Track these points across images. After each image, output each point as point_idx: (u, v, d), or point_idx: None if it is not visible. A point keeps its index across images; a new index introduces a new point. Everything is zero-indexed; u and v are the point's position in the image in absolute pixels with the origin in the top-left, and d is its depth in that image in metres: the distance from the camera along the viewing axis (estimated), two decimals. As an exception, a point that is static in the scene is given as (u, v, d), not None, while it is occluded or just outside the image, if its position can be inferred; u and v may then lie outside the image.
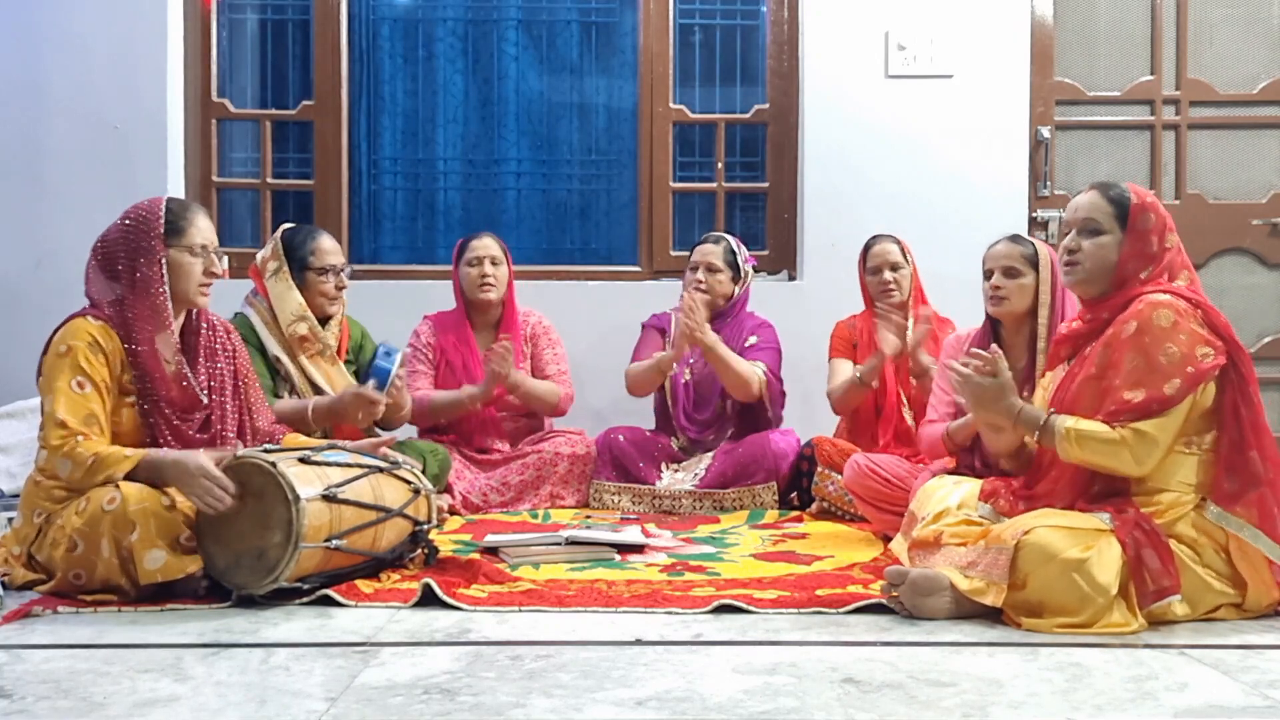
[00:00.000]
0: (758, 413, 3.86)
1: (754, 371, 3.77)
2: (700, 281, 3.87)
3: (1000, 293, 2.93)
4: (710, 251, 3.90)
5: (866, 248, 3.72)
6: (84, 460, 2.42)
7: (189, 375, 2.64)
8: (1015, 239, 2.99)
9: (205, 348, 2.72)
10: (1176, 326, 2.29)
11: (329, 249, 3.46)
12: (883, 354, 3.50)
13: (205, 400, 2.66)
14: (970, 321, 3.11)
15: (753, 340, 3.89)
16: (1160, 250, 2.42)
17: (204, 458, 2.39)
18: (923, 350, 3.45)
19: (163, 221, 2.61)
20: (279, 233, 3.51)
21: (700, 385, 3.92)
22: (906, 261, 3.67)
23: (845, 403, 3.70)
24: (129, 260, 2.58)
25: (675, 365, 3.83)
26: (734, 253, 3.92)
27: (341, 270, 3.47)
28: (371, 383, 3.18)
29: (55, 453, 2.44)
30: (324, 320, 3.46)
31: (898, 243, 3.69)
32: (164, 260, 2.59)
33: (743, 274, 3.95)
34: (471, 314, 3.94)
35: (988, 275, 2.98)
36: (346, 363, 3.52)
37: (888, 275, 3.64)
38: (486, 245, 3.88)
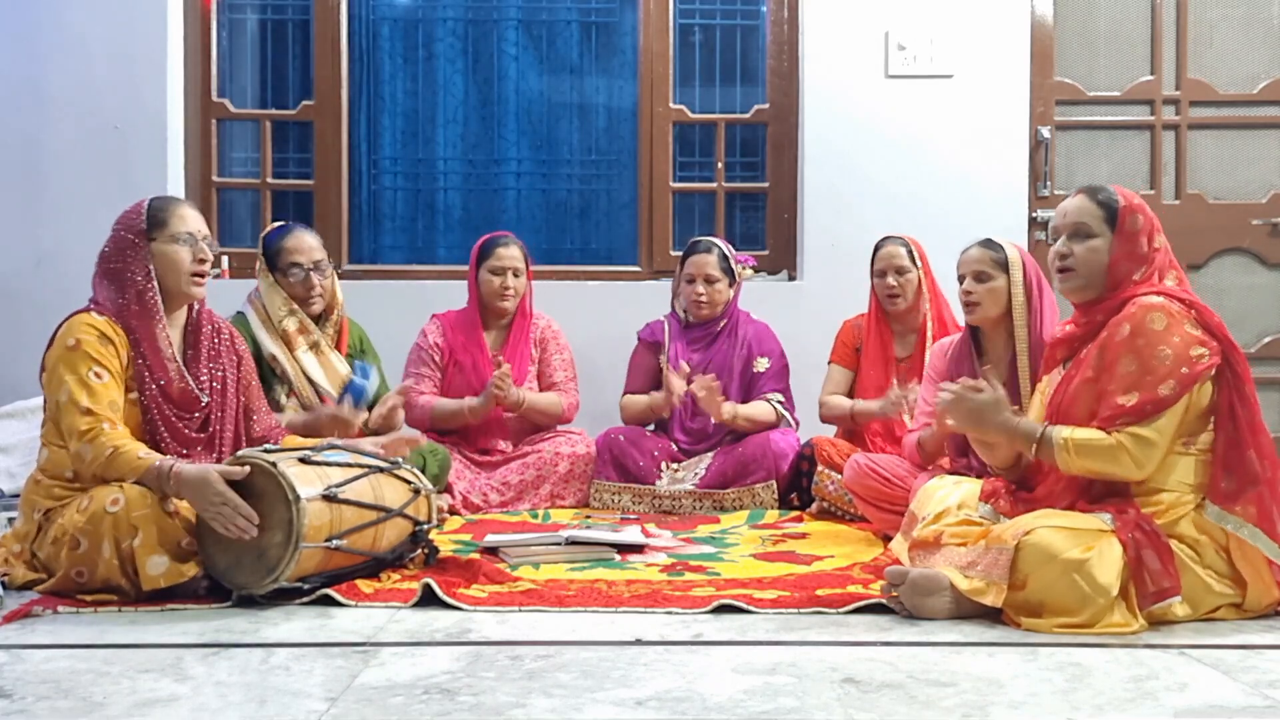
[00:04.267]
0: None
1: (770, 410, 3.81)
2: (700, 294, 3.87)
3: (971, 298, 2.95)
4: (706, 262, 3.89)
5: (876, 248, 3.68)
6: (103, 450, 2.42)
7: (186, 374, 2.65)
8: (986, 243, 2.99)
9: (208, 348, 2.73)
10: (1170, 328, 2.29)
11: (293, 247, 3.43)
12: (884, 412, 3.49)
13: (204, 400, 2.67)
14: (970, 321, 3.11)
15: (763, 364, 3.88)
16: (1149, 251, 2.42)
17: (218, 480, 2.34)
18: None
19: (144, 218, 2.62)
20: (265, 231, 3.58)
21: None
22: (914, 265, 3.62)
23: (834, 421, 3.73)
24: (120, 263, 2.60)
25: (669, 409, 3.85)
26: (726, 258, 3.92)
27: (311, 269, 3.43)
28: (347, 400, 3.20)
29: (80, 438, 2.44)
30: (314, 319, 3.47)
31: (907, 246, 3.63)
32: (149, 255, 2.60)
33: (737, 277, 3.96)
34: (484, 315, 3.94)
35: (961, 280, 2.99)
36: (348, 357, 3.53)
37: (891, 280, 3.61)
38: (513, 256, 3.88)
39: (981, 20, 4.39)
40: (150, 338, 2.59)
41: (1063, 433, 2.32)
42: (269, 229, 3.58)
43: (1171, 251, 2.47)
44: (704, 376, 3.71)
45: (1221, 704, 1.79)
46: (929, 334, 3.58)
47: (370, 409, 3.37)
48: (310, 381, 3.39)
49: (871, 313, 3.70)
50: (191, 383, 2.65)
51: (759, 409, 3.80)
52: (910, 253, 3.63)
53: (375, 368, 3.39)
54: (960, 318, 3.65)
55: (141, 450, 2.45)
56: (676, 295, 4.02)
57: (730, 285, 3.92)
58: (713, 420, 3.77)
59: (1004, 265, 2.93)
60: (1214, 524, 2.28)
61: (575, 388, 3.96)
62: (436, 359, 3.88)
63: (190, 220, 2.67)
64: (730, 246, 4.00)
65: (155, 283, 2.60)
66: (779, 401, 3.82)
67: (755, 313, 4.03)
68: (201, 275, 2.66)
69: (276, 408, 3.23)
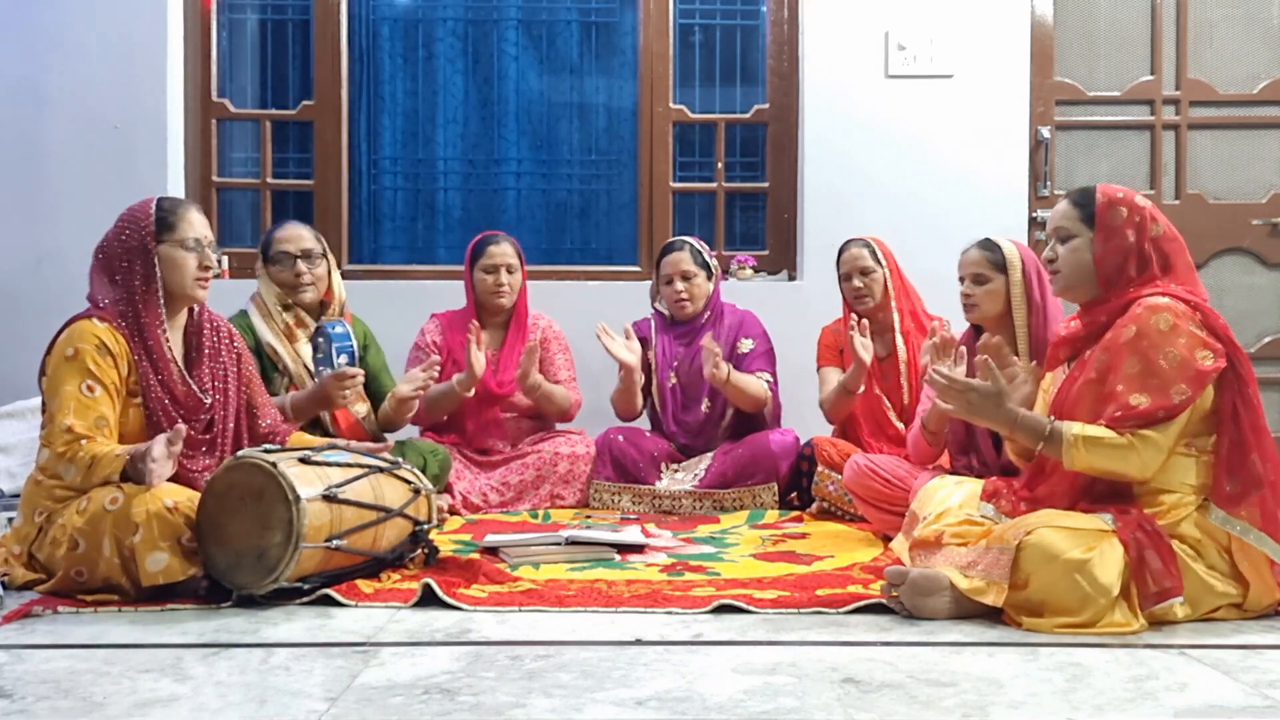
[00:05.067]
0: (750, 418, 3.86)
1: (762, 387, 3.79)
2: (681, 292, 3.88)
3: (970, 300, 2.97)
4: (680, 259, 3.90)
5: (840, 252, 3.71)
6: (84, 463, 2.44)
7: (188, 377, 2.65)
8: (984, 244, 3.00)
9: (209, 349, 2.73)
10: (1175, 329, 2.28)
11: (282, 237, 3.50)
12: (862, 361, 3.48)
13: (207, 401, 2.67)
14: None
15: (748, 345, 3.89)
16: (1139, 242, 2.40)
17: (159, 440, 2.39)
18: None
19: (153, 219, 2.63)
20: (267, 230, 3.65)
21: (688, 389, 3.92)
22: (879, 265, 3.63)
23: (836, 412, 3.70)
24: (125, 261, 2.61)
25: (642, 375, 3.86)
26: (700, 252, 3.93)
27: (299, 256, 3.45)
28: (342, 359, 3.22)
29: (60, 459, 2.46)
30: (310, 311, 3.49)
31: (869, 246, 3.65)
32: (156, 257, 2.61)
33: (713, 270, 3.96)
34: (481, 314, 3.95)
35: (961, 281, 3.00)
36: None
37: (857, 282, 3.62)
38: (505, 253, 3.88)
39: (981, 20, 4.39)
40: (153, 340, 2.59)
41: (1073, 429, 2.30)
42: (270, 228, 3.63)
43: (1181, 242, 2.44)
44: (686, 303, 3.88)
45: (1221, 704, 1.79)
46: (900, 330, 3.61)
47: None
48: (310, 375, 3.40)
49: (845, 317, 3.70)
50: (194, 385, 2.66)
51: (751, 380, 3.79)
52: (873, 252, 3.64)
53: (342, 322, 3.39)
54: (944, 312, 3.68)
55: (118, 449, 2.46)
56: (656, 298, 4.03)
57: (709, 278, 3.94)
58: (705, 373, 3.69)
59: (1001, 266, 2.94)
60: (1216, 525, 2.28)
61: (578, 387, 3.98)
62: (433, 357, 3.87)
63: (198, 226, 2.68)
64: (702, 242, 4.01)
65: (159, 285, 2.61)
66: (768, 381, 3.82)
67: (755, 312, 4.02)
68: (205, 280, 2.68)
69: (276, 400, 3.25)
